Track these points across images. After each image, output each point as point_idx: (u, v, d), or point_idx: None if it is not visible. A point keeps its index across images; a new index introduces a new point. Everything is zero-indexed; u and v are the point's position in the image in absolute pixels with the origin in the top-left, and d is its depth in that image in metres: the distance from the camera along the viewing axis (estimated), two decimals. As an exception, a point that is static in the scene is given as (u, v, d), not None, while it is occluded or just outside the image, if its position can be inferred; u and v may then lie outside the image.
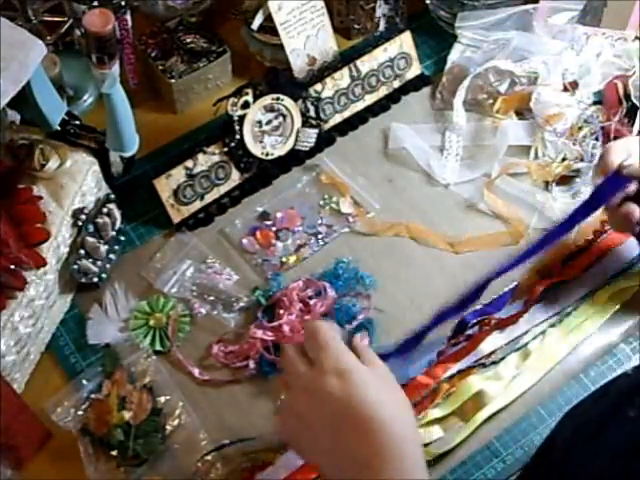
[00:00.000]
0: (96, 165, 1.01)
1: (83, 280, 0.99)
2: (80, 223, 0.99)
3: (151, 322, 0.98)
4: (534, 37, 1.16)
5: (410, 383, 0.92)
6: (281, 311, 0.97)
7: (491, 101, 1.15)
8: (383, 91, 1.17)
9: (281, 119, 1.08)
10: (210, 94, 1.15)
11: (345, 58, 1.14)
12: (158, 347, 0.97)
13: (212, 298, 1.00)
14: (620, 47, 1.16)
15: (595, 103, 1.14)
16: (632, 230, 0.92)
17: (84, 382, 0.93)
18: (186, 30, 1.17)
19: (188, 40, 1.16)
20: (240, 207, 1.08)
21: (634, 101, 1.11)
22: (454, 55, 1.19)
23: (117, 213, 1.02)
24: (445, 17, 1.23)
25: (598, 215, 0.98)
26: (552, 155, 1.10)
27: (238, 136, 1.05)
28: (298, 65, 1.13)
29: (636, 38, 1.16)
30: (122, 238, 1.03)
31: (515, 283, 1.00)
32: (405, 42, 1.16)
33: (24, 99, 0.93)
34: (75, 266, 0.98)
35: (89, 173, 1.00)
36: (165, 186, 1.03)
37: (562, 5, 1.17)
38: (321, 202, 1.08)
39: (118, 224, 1.03)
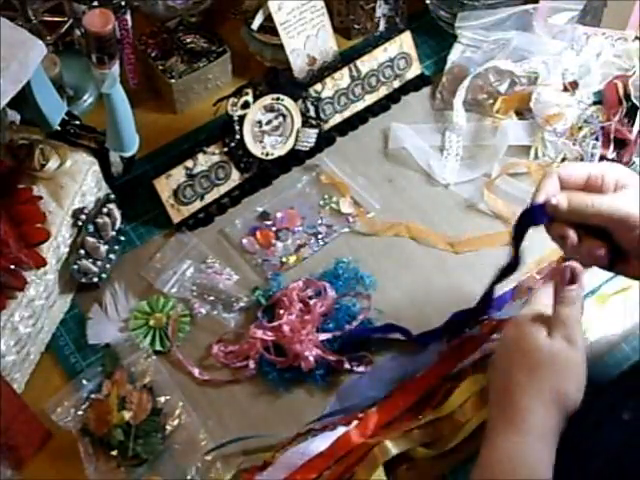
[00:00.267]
0: (96, 165, 1.01)
1: (83, 280, 0.99)
2: (80, 223, 0.99)
3: (151, 322, 0.98)
4: (534, 37, 1.16)
5: (410, 383, 0.92)
6: (281, 311, 0.97)
7: (491, 101, 1.15)
8: (383, 91, 1.17)
9: (281, 119, 1.08)
10: (210, 94, 1.15)
11: (345, 58, 1.14)
12: (158, 347, 0.97)
13: (212, 298, 1.00)
14: (620, 47, 1.16)
15: (595, 103, 1.14)
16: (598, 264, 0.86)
17: (84, 382, 0.93)
18: (186, 30, 1.17)
19: (188, 40, 1.16)
20: (240, 207, 1.08)
21: (634, 101, 1.11)
22: (454, 55, 1.19)
23: (117, 213, 1.02)
24: (445, 17, 1.23)
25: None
26: (552, 155, 1.10)
27: (238, 136, 1.05)
28: (298, 65, 1.13)
29: (636, 38, 1.16)
30: (122, 238, 1.03)
31: (515, 283, 1.00)
32: (405, 42, 1.16)
33: (24, 99, 0.93)
34: (75, 266, 0.98)
35: (89, 173, 1.00)
36: (165, 186, 1.03)
37: (562, 5, 1.17)
38: (321, 202, 1.08)
39: (118, 224, 1.03)
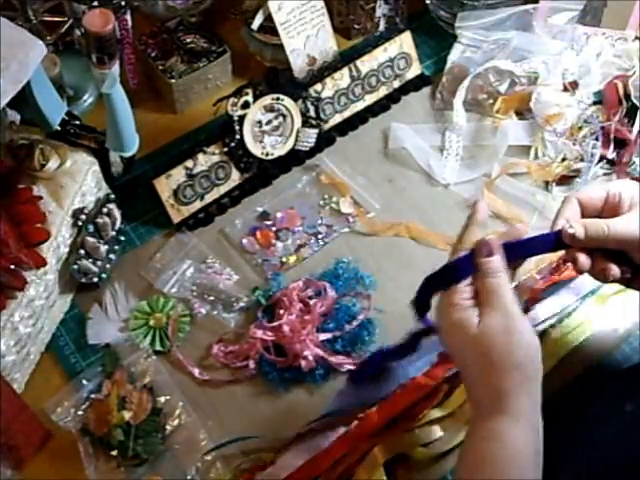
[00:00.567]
0: (96, 165, 1.01)
1: (83, 280, 0.99)
2: (80, 223, 0.99)
3: (151, 322, 0.98)
4: (534, 37, 1.16)
5: (410, 383, 0.92)
6: (281, 311, 0.97)
7: (491, 101, 1.15)
8: (383, 91, 1.17)
9: (281, 119, 1.08)
10: (210, 94, 1.15)
11: (345, 58, 1.14)
12: (158, 347, 0.97)
13: (212, 298, 1.00)
14: (620, 47, 1.16)
15: (595, 103, 1.14)
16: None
17: (84, 382, 0.93)
18: (186, 30, 1.17)
19: (188, 40, 1.16)
20: (240, 207, 1.08)
21: (634, 101, 1.11)
22: (454, 55, 1.19)
23: (117, 213, 1.02)
24: (445, 17, 1.23)
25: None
26: (552, 155, 1.10)
27: (238, 136, 1.05)
28: (298, 65, 1.13)
29: (636, 38, 1.17)
30: (122, 238, 1.03)
31: (515, 283, 1.00)
32: (405, 42, 1.16)
33: (24, 99, 0.93)
34: (75, 266, 0.98)
35: (89, 173, 1.00)
36: (165, 186, 1.03)
37: (562, 5, 1.17)
38: (321, 202, 1.08)
39: (118, 224, 1.03)
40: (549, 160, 1.10)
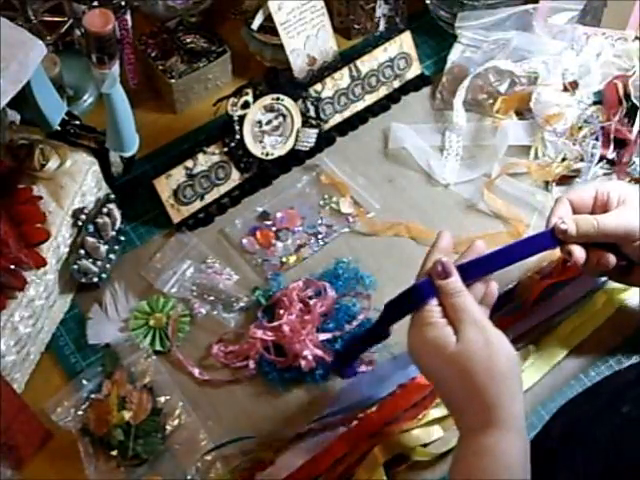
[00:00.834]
0: (96, 165, 1.01)
1: (83, 280, 0.99)
2: (80, 223, 0.99)
3: (151, 322, 0.98)
4: (534, 37, 1.16)
5: (410, 383, 0.92)
6: (281, 311, 0.97)
7: (491, 101, 1.15)
8: (383, 91, 1.17)
9: (281, 119, 1.08)
10: (210, 94, 1.15)
11: (345, 58, 1.14)
12: (158, 347, 0.97)
13: (212, 298, 1.00)
14: (620, 47, 1.16)
15: (595, 103, 1.14)
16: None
17: (84, 382, 0.93)
18: (186, 30, 1.17)
19: (188, 40, 1.16)
20: (240, 207, 1.08)
21: (634, 101, 1.11)
22: (454, 55, 1.19)
23: (117, 213, 1.02)
24: (445, 17, 1.23)
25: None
26: (552, 155, 1.10)
27: (238, 136, 1.05)
28: (298, 65, 1.13)
29: (636, 38, 1.16)
30: (122, 238, 1.03)
31: (515, 283, 1.00)
32: (405, 42, 1.16)
33: (24, 99, 0.93)
34: (75, 266, 0.98)
35: (89, 173, 1.00)
36: (165, 186, 1.03)
37: (562, 5, 1.17)
38: (321, 202, 1.08)
39: (118, 224, 1.03)
40: (549, 160, 1.10)
